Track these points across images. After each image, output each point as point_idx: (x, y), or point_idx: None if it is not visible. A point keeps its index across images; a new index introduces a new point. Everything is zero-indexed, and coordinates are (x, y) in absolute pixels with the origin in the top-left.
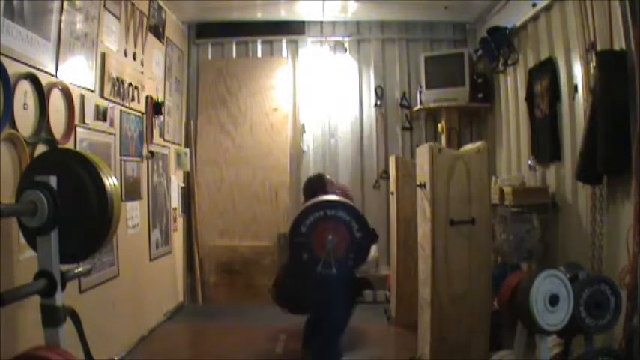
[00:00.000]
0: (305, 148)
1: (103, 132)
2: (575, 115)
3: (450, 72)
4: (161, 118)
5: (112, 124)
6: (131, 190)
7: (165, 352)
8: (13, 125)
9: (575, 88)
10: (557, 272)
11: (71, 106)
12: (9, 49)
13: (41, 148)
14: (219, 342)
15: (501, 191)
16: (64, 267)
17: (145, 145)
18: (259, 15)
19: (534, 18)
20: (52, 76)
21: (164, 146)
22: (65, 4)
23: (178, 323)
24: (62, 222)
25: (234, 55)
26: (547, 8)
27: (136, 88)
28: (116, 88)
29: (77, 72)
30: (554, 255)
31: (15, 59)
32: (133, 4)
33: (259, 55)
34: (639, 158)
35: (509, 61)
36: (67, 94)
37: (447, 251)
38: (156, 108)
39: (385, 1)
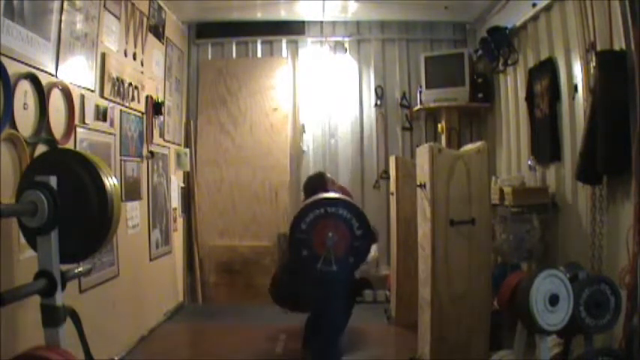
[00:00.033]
0: (305, 148)
1: (103, 132)
2: (575, 115)
3: (450, 72)
4: (161, 118)
5: (112, 124)
6: (131, 190)
7: (165, 352)
8: (13, 125)
9: (575, 88)
10: (557, 272)
11: (71, 106)
12: (9, 49)
13: (41, 148)
14: (219, 342)
15: (501, 191)
16: (64, 267)
17: (145, 145)
18: (259, 15)
19: (534, 18)
20: (52, 76)
21: (164, 146)
22: (65, 4)
23: (178, 323)
24: (62, 222)
25: (234, 55)
26: (547, 8)
27: (136, 88)
28: (116, 88)
29: (77, 72)
30: (554, 255)
31: (15, 59)
32: (133, 4)
33: (259, 55)
34: (639, 158)
35: (509, 61)
36: (67, 94)
37: (447, 251)
38: (156, 108)
39: (385, 1)
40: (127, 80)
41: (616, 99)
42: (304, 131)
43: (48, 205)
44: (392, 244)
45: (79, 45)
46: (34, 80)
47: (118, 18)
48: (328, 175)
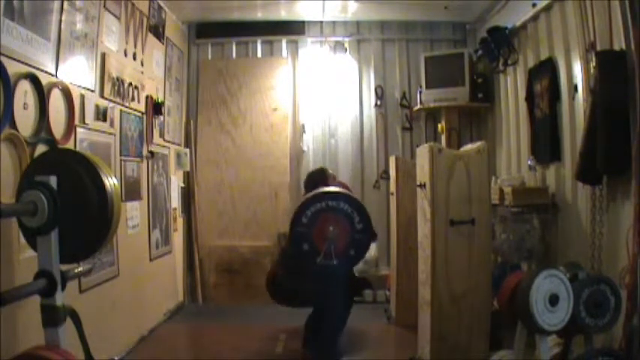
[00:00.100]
0: (305, 148)
1: (103, 132)
2: (575, 115)
3: (450, 72)
4: (161, 118)
5: (112, 124)
6: (131, 190)
7: (165, 352)
8: (13, 125)
9: (575, 88)
10: (557, 272)
11: (71, 106)
12: (9, 49)
13: (41, 148)
14: (219, 342)
15: (501, 191)
16: (64, 267)
17: (145, 145)
18: (259, 15)
19: (534, 18)
20: (52, 76)
21: (164, 146)
22: (65, 4)
23: (178, 323)
24: (62, 222)
25: (234, 55)
26: (547, 8)
27: (136, 88)
28: (116, 88)
29: (77, 72)
30: (554, 255)
31: (15, 59)
32: (133, 4)
33: (259, 55)
34: (639, 158)
35: (509, 61)
36: (67, 94)
37: (447, 251)
38: (156, 108)
39: (385, 1)
40: (127, 80)
41: (616, 99)
42: (304, 131)
43: (48, 205)
44: (392, 244)
45: (79, 45)
46: (34, 80)
47: (118, 18)
48: (329, 171)
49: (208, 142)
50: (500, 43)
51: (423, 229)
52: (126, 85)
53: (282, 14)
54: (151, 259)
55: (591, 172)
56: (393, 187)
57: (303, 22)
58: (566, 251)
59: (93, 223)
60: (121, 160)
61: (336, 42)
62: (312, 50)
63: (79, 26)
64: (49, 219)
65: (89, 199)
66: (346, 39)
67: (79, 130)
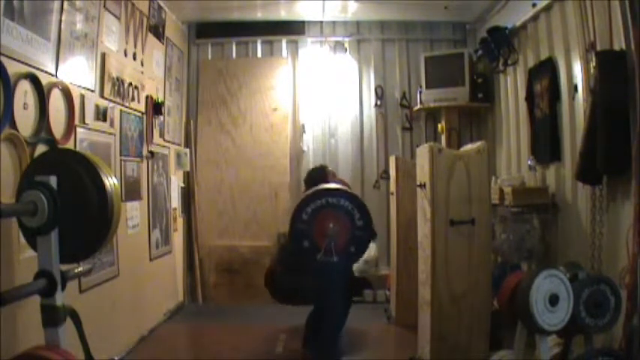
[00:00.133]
0: (305, 148)
1: (103, 132)
2: (575, 115)
3: (450, 72)
4: (161, 118)
5: (112, 124)
6: (131, 190)
7: (165, 352)
8: (13, 125)
9: (575, 88)
10: (557, 272)
11: (71, 106)
12: (9, 49)
13: (41, 148)
14: (219, 342)
15: (501, 191)
16: (64, 267)
17: (145, 145)
18: (259, 15)
19: (534, 18)
20: (52, 76)
21: (164, 146)
22: (65, 4)
23: (178, 323)
24: (62, 222)
25: (234, 55)
26: (547, 8)
27: (136, 88)
28: (116, 88)
29: (77, 72)
30: (554, 255)
31: (15, 59)
32: (133, 4)
33: (259, 55)
34: (639, 158)
35: (509, 61)
36: (67, 94)
37: (447, 251)
38: (156, 108)
39: (385, 1)
40: (127, 80)
41: (616, 99)
42: (304, 131)
43: (48, 205)
44: (392, 244)
45: (79, 45)
46: (34, 80)
47: (118, 18)
48: (329, 168)
49: (208, 142)
50: (500, 43)
51: (423, 229)
52: (126, 85)
53: (282, 14)
54: (151, 259)
55: (591, 172)
56: (393, 187)
57: (303, 22)
58: (566, 251)
59: (93, 223)
60: (121, 160)
61: (336, 42)
62: (312, 50)
63: (79, 26)
64: (49, 219)
65: (89, 199)
66: (346, 39)
67: (79, 130)
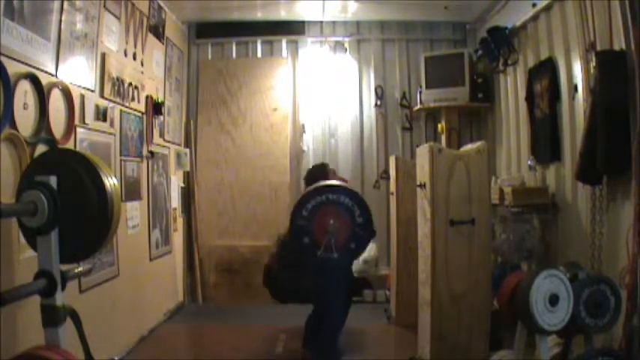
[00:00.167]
0: (305, 148)
1: (103, 132)
2: (575, 115)
3: (450, 72)
4: (161, 118)
5: (112, 124)
6: (131, 190)
7: (165, 352)
8: (13, 125)
9: (575, 88)
10: (557, 272)
11: (71, 106)
12: (9, 49)
13: (41, 148)
14: (219, 342)
15: (501, 191)
16: (64, 267)
17: (145, 145)
18: (259, 15)
19: (534, 18)
20: (52, 76)
21: (164, 146)
22: (65, 4)
23: (178, 323)
24: (62, 222)
25: (234, 55)
26: (547, 8)
27: (136, 88)
28: (116, 88)
29: (77, 72)
30: (554, 255)
31: (15, 59)
32: (133, 4)
33: (259, 55)
34: (639, 158)
35: (509, 61)
36: (67, 94)
37: (447, 251)
38: (156, 108)
39: (385, 1)
40: (127, 80)
41: (616, 99)
42: (304, 131)
43: (48, 205)
44: (392, 244)
45: (79, 45)
46: (34, 80)
47: (118, 18)
48: (330, 167)
49: (208, 142)
50: (500, 43)
51: (423, 229)
52: (126, 85)
53: (282, 14)
54: (151, 259)
55: (591, 172)
56: (393, 187)
57: (303, 22)
58: (566, 251)
59: (93, 223)
60: (121, 160)
61: (336, 42)
62: (312, 50)
63: (79, 26)
64: (49, 219)
65: (89, 199)
66: (346, 39)
67: (79, 130)
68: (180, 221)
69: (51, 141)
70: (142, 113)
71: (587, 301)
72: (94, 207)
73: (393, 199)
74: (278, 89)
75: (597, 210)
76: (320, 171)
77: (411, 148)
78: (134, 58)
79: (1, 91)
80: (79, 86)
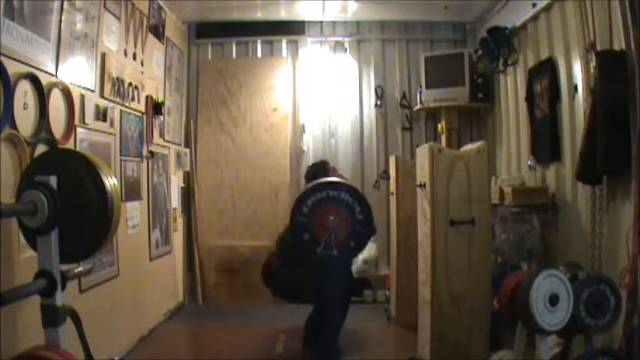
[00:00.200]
0: (305, 148)
1: (103, 132)
2: (575, 115)
3: (450, 72)
4: (161, 118)
5: (112, 124)
6: (131, 190)
7: (165, 352)
8: (13, 125)
9: (575, 88)
10: (557, 272)
11: (71, 106)
12: (9, 49)
13: (41, 148)
14: (219, 342)
15: (501, 191)
16: (64, 267)
17: (145, 145)
18: (259, 15)
19: (534, 18)
20: (52, 76)
21: (164, 146)
22: (65, 4)
23: (178, 323)
24: (62, 222)
25: (234, 55)
26: (547, 8)
27: (136, 88)
28: (116, 88)
29: (77, 72)
30: (554, 255)
31: (15, 59)
32: (133, 4)
33: (259, 55)
34: (639, 158)
35: (509, 61)
36: (67, 94)
37: (447, 251)
38: (156, 108)
39: (385, 1)
40: (127, 80)
41: (616, 99)
42: (304, 131)
43: (48, 205)
44: (392, 244)
45: (79, 45)
46: (34, 80)
47: (118, 18)
48: (331, 164)
49: (208, 142)
50: (500, 43)
51: (423, 229)
52: (126, 85)
53: (282, 14)
54: (150, 259)
55: (591, 172)
56: (393, 187)
57: (303, 22)
58: (566, 251)
59: (93, 223)
60: (121, 160)
61: (336, 42)
62: (312, 50)
63: (79, 26)
64: (49, 219)
65: (89, 199)
66: (346, 39)
67: (79, 130)
68: (180, 221)
69: (51, 141)
70: (142, 113)
71: (587, 301)
72: (94, 207)
73: (393, 199)
74: (278, 89)
75: (597, 210)
76: (320, 168)
77: (411, 148)
78: (134, 58)
79: (1, 91)
80: (79, 86)
